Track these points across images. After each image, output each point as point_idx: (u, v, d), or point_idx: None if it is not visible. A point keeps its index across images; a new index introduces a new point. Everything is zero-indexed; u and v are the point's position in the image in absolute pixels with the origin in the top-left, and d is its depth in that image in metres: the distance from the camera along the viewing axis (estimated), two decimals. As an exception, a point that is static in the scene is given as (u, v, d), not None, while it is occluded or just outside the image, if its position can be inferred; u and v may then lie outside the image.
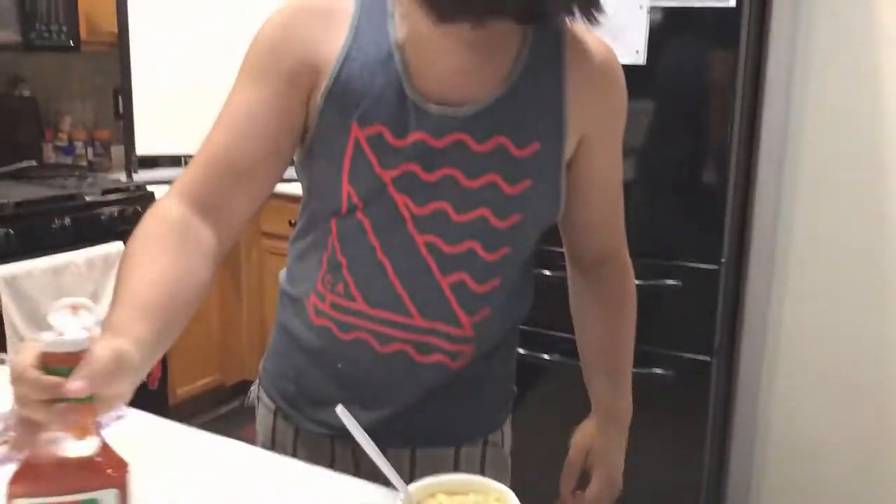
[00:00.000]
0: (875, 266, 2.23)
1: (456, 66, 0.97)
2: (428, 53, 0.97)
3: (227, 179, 0.97)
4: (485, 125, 0.97)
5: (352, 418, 0.86)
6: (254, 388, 1.25)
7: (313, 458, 1.09)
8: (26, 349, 0.71)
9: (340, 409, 0.85)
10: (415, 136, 0.96)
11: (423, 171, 0.97)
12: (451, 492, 0.84)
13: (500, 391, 1.17)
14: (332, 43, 0.98)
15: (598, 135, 1.05)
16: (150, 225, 0.93)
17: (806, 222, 2.32)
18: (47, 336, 0.71)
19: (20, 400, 0.69)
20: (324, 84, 0.97)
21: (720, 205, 2.18)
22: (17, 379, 0.69)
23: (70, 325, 0.72)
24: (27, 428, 0.70)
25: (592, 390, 1.18)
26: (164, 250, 0.90)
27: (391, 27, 0.97)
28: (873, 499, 2.31)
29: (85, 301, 0.76)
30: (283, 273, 1.14)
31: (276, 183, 1.02)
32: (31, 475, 0.71)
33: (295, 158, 1.05)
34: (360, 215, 1.00)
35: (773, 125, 2.34)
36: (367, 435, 0.85)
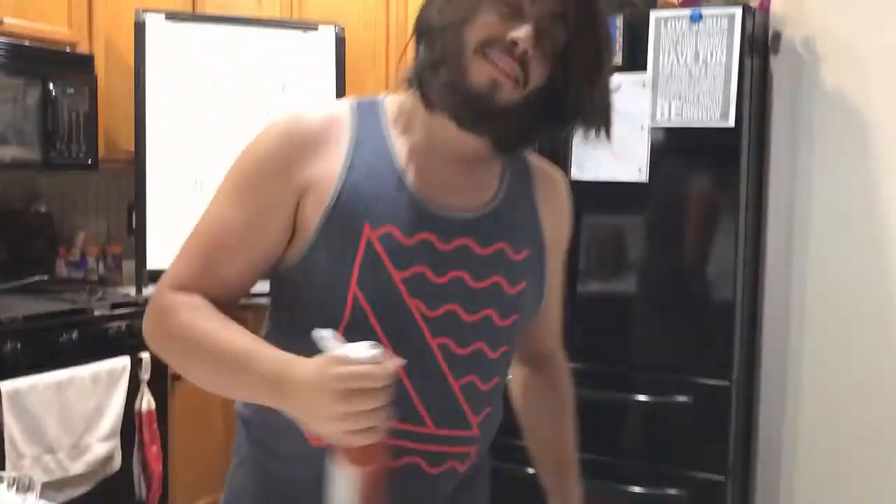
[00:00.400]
0: (885, 382, 2.20)
1: (453, 178, 1.04)
2: (428, 164, 1.03)
3: (216, 282, 1.03)
4: (487, 230, 1.04)
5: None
6: None
7: None
8: (338, 359, 0.85)
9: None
10: (422, 236, 1.00)
11: (433, 274, 1.00)
12: None
13: (486, 487, 1.19)
14: (330, 160, 1.01)
15: (556, 246, 1.14)
16: (183, 303, 1.00)
17: (815, 337, 2.31)
18: (352, 348, 0.86)
19: (364, 395, 0.84)
20: (325, 196, 1.00)
21: (729, 321, 2.17)
22: (361, 375, 0.84)
23: (349, 347, 0.86)
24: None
25: (545, 485, 1.21)
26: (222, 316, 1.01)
27: (389, 139, 1.04)
28: None
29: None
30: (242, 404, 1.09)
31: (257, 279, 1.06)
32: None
33: (272, 276, 1.07)
34: (372, 322, 0.99)
35: (777, 242, 2.36)
36: None
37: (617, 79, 2.27)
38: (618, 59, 2.24)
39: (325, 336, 0.88)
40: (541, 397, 1.25)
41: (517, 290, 1.05)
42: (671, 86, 2.17)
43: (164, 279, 1.05)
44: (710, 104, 2.13)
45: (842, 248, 2.25)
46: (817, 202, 2.29)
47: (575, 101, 1.02)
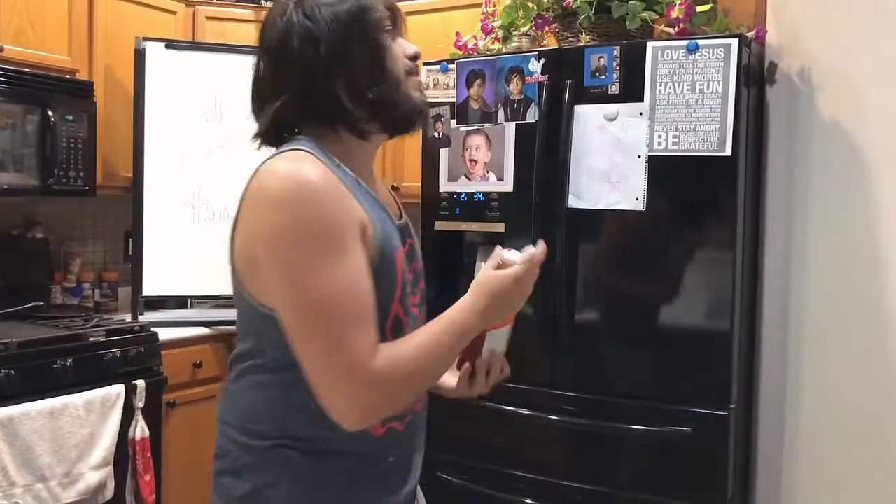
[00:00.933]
0: (885, 412, 2.18)
1: (382, 192, 1.36)
2: (376, 189, 1.31)
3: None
4: (410, 229, 1.38)
5: None
6: None
7: None
8: (518, 262, 1.22)
9: None
10: (404, 248, 1.30)
11: (410, 269, 1.32)
12: None
13: None
14: (356, 204, 1.19)
15: None
16: (390, 352, 1.16)
17: (814, 367, 2.30)
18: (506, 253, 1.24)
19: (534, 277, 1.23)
20: (370, 236, 1.19)
21: (727, 350, 2.16)
22: (534, 267, 1.22)
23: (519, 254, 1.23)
24: None
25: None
26: None
27: (357, 181, 1.25)
28: None
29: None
30: (301, 418, 1.21)
31: None
32: None
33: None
34: (404, 322, 1.27)
35: (775, 271, 2.36)
36: None
37: (615, 108, 2.31)
38: (615, 88, 2.26)
39: (511, 252, 1.23)
40: None
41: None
42: (668, 115, 2.19)
43: (353, 363, 1.11)
44: (706, 133, 2.14)
45: (839, 277, 2.25)
46: (814, 231, 2.29)
47: None
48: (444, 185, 2.56)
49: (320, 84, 1.22)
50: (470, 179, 2.52)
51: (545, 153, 2.33)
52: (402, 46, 1.27)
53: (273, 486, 1.22)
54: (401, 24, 1.30)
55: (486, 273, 1.22)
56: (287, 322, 1.14)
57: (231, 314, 3.09)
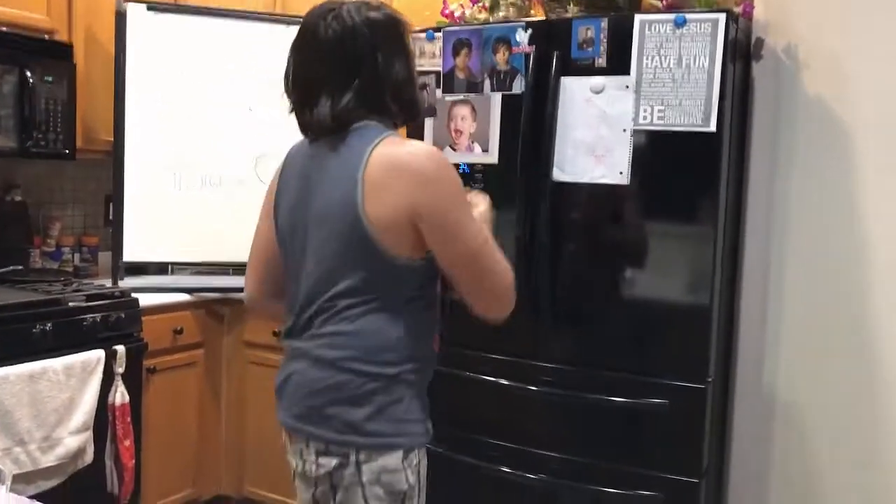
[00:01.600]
0: (862, 387, 2.22)
1: None
2: None
3: None
4: None
5: None
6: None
7: None
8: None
9: None
10: None
11: None
12: None
13: None
14: None
15: None
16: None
17: (792, 343, 2.33)
18: None
19: None
20: None
21: (705, 324, 2.18)
22: None
23: None
24: None
25: None
26: None
27: None
28: None
29: None
30: (419, 344, 1.54)
31: None
32: None
33: (422, 253, 1.50)
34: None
35: (756, 247, 2.38)
36: None
37: (601, 81, 2.30)
38: (602, 61, 2.25)
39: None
40: None
41: None
42: (654, 89, 2.18)
43: (508, 272, 1.53)
44: (692, 109, 2.14)
45: (819, 253, 2.27)
46: (795, 208, 2.31)
47: None
48: (429, 156, 2.55)
49: (376, 85, 1.51)
50: (455, 150, 2.50)
51: (531, 125, 2.32)
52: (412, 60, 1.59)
53: (398, 402, 1.49)
54: None
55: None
56: (459, 266, 1.49)
57: (211, 281, 3.07)
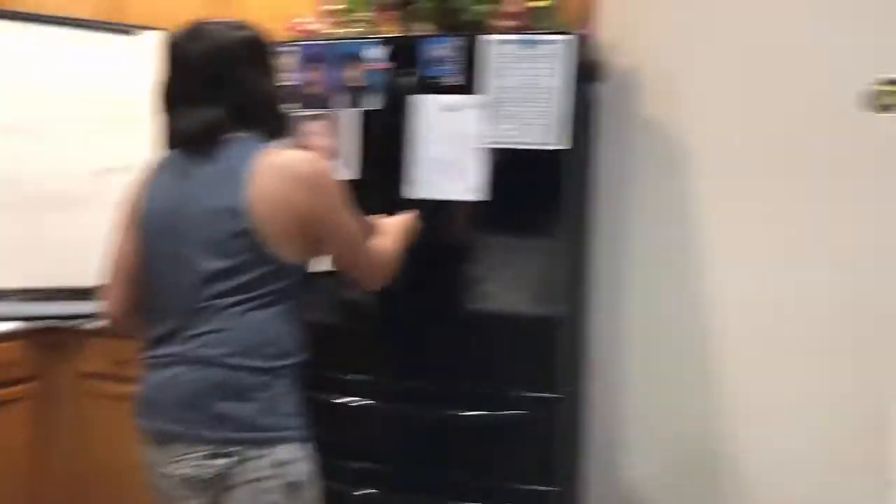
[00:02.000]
0: (709, 392, 2.34)
1: None
2: None
3: None
4: None
5: None
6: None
7: None
8: None
9: None
10: None
11: None
12: None
13: None
14: None
15: None
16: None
17: (642, 351, 2.43)
18: None
19: None
20: None
21: (558, 335, 2.24)
22: None
23: None
24: None
25: None
26: None
27: None
28: None
29: None
30: (294, 340, 1.63)
31: None
32: None
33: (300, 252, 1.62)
34: None
35: (604, 259, 2.47)
36: None
37: (454, 100, 2.32)
38: (454, 79, 2.27)
39: None
40: None
41: None
42: (506, 108, 2.22)
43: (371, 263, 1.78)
44: (542, 127, 2.20)
45: (663, 265, 2.39)
46: (639, 223, 2.42)
47: None
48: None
49: (245, 100, 1.60)
50: (308, 167, 2.45)
51: (384, 141, 2.31)
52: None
53: (284, 396, 1.57)
54: None
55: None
56: (342, 256, 1.70)
57: (46, 308, 2.81)
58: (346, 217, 1.66)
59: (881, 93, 1.71)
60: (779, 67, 2.24)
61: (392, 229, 1.95)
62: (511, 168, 2.23)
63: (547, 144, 2.19)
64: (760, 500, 2.32)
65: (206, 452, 1.51)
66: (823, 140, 2.10)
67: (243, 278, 1.55)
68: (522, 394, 2.23)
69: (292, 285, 1.61)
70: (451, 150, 2.27)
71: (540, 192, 2.24)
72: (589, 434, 2.53)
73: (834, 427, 2.24)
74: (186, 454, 1.52)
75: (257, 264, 1.55)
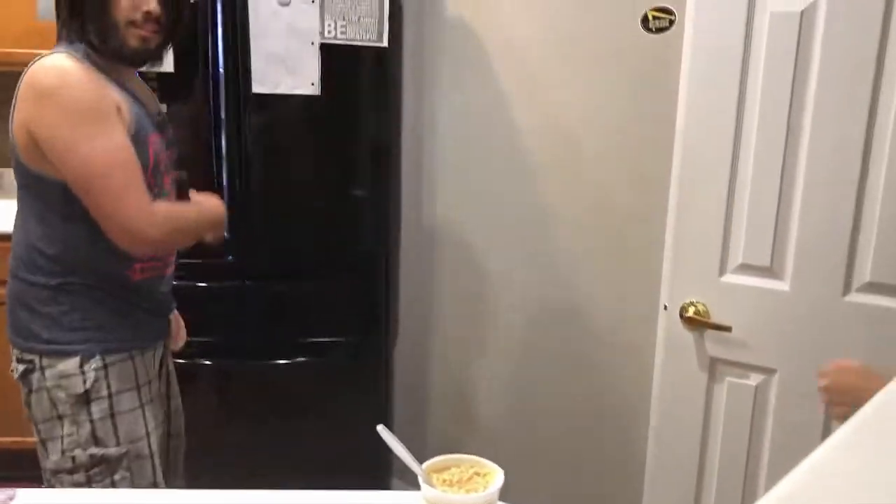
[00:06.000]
0: (527, 320, 2.73)
1: (143, 93, 1.74)
2: (134, 90, 1.67)
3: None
4: (166, 122, 1.78)
5: (391, 434, 1.13)
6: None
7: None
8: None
9: (382, 428, 1.14)
10: (161, 135, 1.71)
11: (164, 148, 1.73)
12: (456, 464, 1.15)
13: None
14: (109, 88, 1.55)
15: None
16: (163, 209, 1.64)
17: (446, 259, 2.83)
18: None
19: None
20: (127, 116, 1.56)
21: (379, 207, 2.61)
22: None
23: None
24: None
25: None
26: None
27: (112, 80, 1.58)
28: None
29: None
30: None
31: None
32: None
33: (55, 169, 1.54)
34: (154, 195, 1.65)
35: (410, 156, 2.82)
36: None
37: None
38: (286, -23, 2.43)
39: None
40: None
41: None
42: (336, 5, 2.44)
43: (139, 205, 1.55)
44: (368, 25, 2.46)
45: (461, 164, 2.73)
46: (443, 123, 2.73)
47: (179, 26, 1.67)
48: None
49: (71, 14, 1.57)
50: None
51: (222, 36, 2.42)
52: (137, 3, 1.56)
53: (69, 312, 1.62)
54: None
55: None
56: (76, 188, 1.52)
57: None
58: (80, 145, 1.48)
59: (653, 17, 2.20)
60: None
61: (205, 206, 1.79)
62: (345, 64, 2.48)
63: (373, 42, 2.46)
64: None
65: (16, 355, 1.65)
66: (606, 53, 2.48)
67: (21, 195, 1.60)
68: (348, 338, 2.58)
69: (68, 202, 1.55)
70: (288, 46, 2.46)
71: (370, 87, 2.53)
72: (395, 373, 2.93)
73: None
74: (12, 354, 1.67)
75: (22, 179, 1.57)
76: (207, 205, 1.77)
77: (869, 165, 1.84)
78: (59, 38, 1.59)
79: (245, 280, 2.57)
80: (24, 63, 2.84)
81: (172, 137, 1.78)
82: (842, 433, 0.70)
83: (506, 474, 1.15)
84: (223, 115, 2.45)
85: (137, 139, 1.57)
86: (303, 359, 2.59)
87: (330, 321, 2.61)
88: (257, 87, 2.46)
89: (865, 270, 1.90)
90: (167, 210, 1.63)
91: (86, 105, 1.49)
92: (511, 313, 2.73)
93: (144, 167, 1.58)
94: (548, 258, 2.61)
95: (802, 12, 1.86)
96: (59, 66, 1.49)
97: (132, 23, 1.56)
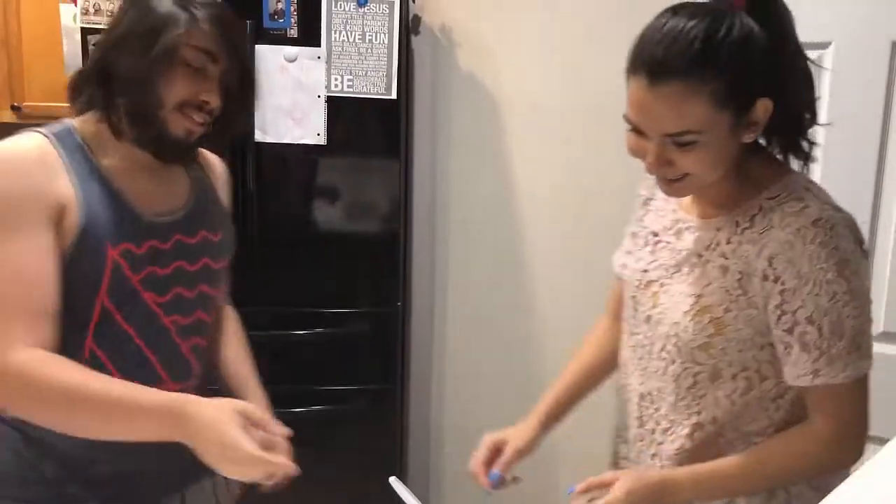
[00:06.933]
0: (517, 317, 2.82)
1: (154, 187, 1.34)
2: (133, 181, 1.31)
3: (49, 319, 1.19)
4: (191, 224, 1.38)
5: (404, 487, 1.08)
6: None
7: None
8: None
9: (394, 480, 1.08)
10: (149, 244, 1.30)
11: (161, 269, 1.32)
12: None
13: None
14: (63, 186, 1.23)
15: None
16: (35, 360, 1.14)
17: (455, 277, 2.86)
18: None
19: None
20: (74, 219, 1.22)
21: (394, 258, 2.62)
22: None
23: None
24: None
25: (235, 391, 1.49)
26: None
27: (98, 167, 1.28)
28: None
29: None
30: None
31: None
32: None
33: None
34: (118, 319, 1.27)
35: (423, 196, 2.86)
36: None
37: (294, 51, 2.54)
38: (294, 32, 2.48)
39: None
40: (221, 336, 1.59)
41: (220, 265, 1.44)
42: (343, 60, 2.49)
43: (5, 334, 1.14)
44: (376, 79, 2.50)
45: (475, 196, 2.79)
46: (455, 163, 2.79)
47: (236, 118, 1.38)
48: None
49: (100, 81, 1.27)
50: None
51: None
52: (198, 87, 1.26)
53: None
54: (221, 73, 1.29)
55: (226, 415, 1.08)
56: None
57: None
58: None
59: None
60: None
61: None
62: (352, 115, 2.52)
63: (382, 94, 2.50)
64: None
65: None
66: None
67: None
68: (366, 309, 2.61)
69: None
70: (295, 99, 2.51)
71: (377, 135, 2.57)
72: (411, 340, 2.96)
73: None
74: None
75: None
76: (157, 397, 1.15)
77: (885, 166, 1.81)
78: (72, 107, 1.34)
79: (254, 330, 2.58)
80: (51, 116, 3.01)
81: (209, 246, 1.40)
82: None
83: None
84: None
85: (86, 250, 1.23)
86: (318, 407, 2.60)
87: (346, 369, 2.63)
88: (260, 137, 2.50)
89: (880, 322, 1.86)
90: (36, 365, 1.13)
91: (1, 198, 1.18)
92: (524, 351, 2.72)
93: (92, 283, 1.23)
94: (570, 316, 2.60)
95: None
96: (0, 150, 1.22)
97: (182, 107, 1.26)
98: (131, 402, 1.12)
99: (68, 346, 1.21)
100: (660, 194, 1.31)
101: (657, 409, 1.28)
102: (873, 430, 1.92)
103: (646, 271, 1.31)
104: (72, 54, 2.63)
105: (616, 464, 1.43)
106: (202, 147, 1.40)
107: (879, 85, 1.91)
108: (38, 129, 1.27)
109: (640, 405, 1.31)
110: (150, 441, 1.13)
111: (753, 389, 1.21)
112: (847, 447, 1.19)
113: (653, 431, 1.29)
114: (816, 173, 1.90)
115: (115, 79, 1.25)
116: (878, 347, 1.86)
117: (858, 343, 1.15)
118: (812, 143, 1.19)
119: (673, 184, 1.17)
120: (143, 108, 1.25)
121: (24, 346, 1.13)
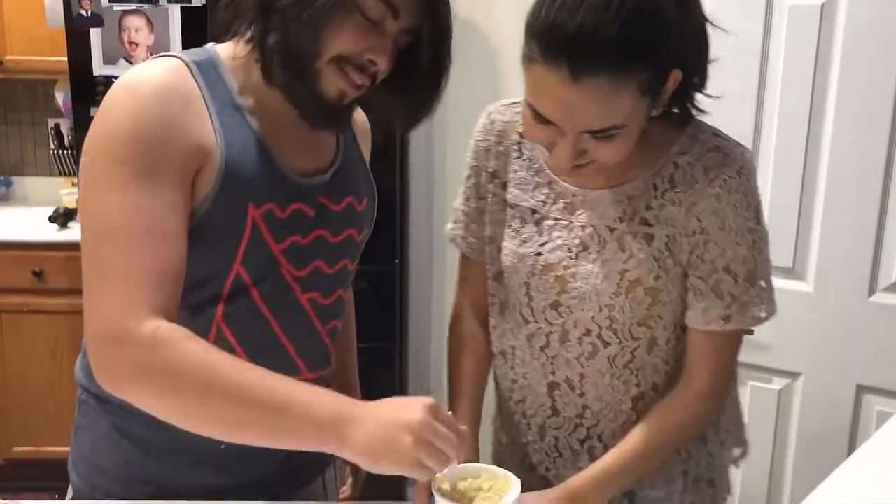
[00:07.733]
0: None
1: (301, 140, 1.11)
2: (279, 131, 1.09)
3: (177, 286, 0.98)
4: (337, 189, 1.15)
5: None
6: None
7: None
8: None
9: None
10: (293, 207, 1.08)
11: (302, 238, 1.10)
12: (472, 476, 1.03)
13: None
14: (204, 127, 1.02)
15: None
16: (177, 336, 0.94)
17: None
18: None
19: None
20: (213, 168, 1.01)
21: (391, 213, 2.57)
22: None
23: None
24: None
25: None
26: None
27: (242, 108, 1.07)
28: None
29: None
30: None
31: None
32: None
33: None
34: (252, 293, 1.06)
35: (419, 150, 2.79)
36: None
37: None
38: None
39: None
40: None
41: (362, 237, 1.21)
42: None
43: (122, 309, 0.93)
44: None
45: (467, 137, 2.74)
46: (452, 124, 2.71)
47: (428, 95, 1.11)
48: (100, 69, 2.46)
49: (261, 9, 1.02)
50: (131, 63, 2.45)
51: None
52: (367, 43, 1.01)
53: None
54: (398, 32, 1.04)
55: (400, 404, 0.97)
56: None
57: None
58: (93, 202, 0.98)
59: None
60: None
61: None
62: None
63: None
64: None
65: None
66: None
67: None
68: (366, 267, 2.54)
69: None
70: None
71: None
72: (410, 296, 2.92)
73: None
74: None
75: None
76: (320, 399, 0.95)
77: (894, 161, 1.77)
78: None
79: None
80: (34, 70, 2.90)
81: (355, 215, 1.18)
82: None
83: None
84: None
85: (224, 206, 1.03)
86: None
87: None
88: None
89: (891, 270, 1.84)
90: (191, 342, 0.94)
91: (113, 137, 0.98)
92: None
93: (228, 248, 1.04)
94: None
95: (823, 5, 1.80)
96: (135, 76, 1.01)
97: (343, 61, 1.02)
98: (301, 408, 0.92)
99: (191, 323, 0.99)
100: (514, 164, 1.24)
101: (581, 395, 1.21)
102: (783, 364, 1.90)
103: (539, 255, 1.19)
104: (52, 7, 2.52)
105: (498, 456, 1.36)
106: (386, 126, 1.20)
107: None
108: (177, 53, 1.06)
109: (551, 395, 1.23)
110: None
111: (683, 346, 1.20)
112: (723, 397, 1.20)
113: (579, 416, 1.22)
114: (824, 161, 1.83)
115: (275, 12, 1.00)
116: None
117: (769, 287, 1.14)
118: (707, 96, 1.11)
119: (580, 168, 1.07)
120: (297, 54, 1.01)
121: (151, 313, 0.93)
